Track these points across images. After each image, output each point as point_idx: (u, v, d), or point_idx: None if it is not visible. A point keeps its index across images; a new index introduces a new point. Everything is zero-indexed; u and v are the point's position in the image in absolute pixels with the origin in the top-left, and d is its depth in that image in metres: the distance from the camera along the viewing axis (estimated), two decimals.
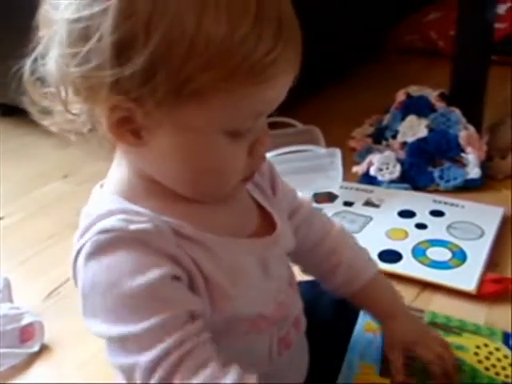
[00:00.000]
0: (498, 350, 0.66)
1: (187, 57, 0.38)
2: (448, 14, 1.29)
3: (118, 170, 0.48)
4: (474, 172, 1.16)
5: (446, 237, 0.98)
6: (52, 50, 0.42)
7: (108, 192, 0.48)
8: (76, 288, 0.45)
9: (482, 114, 1.30)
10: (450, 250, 0.94)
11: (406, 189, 1.17)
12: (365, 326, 0.66)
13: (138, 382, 0.42)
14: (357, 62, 1.89)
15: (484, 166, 1.19)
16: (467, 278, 0.86)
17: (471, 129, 1.23)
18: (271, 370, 0.53)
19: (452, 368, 0.59)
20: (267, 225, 0.53)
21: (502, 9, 1.89)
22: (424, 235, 0.98)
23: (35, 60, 0.44)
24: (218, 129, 0.43)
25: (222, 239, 0.47)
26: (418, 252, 0.93)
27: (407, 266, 0.90)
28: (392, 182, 1.19)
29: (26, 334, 0.82)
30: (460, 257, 0.92)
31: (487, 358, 0.64)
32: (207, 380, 0.41)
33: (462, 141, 1.20)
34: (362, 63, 1.91)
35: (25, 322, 0.82)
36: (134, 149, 0.44)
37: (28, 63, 0.44)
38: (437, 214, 1.06)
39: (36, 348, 0.81)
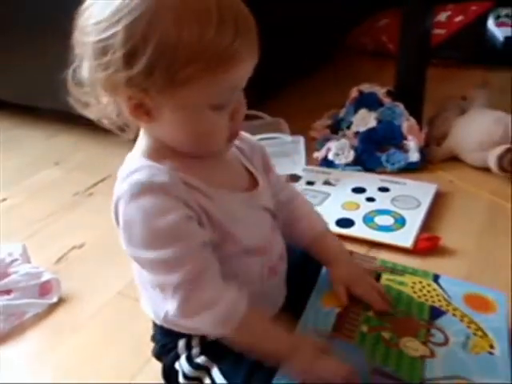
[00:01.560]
0: (429, 285, 0.77)
1: (174, 57, 0.51)
2: (397, 20, 1.40)
3: (143, 139, 0.62)
4: (414, 156, 1.30)
5: (390, 207, 1.13)
6: (84, 62, 0.57)
7: (136, 155, 0.61)
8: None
9: (421, 108, 1.42)
10: (393, 217, 1.09)
11: (358, 170, 1.30)
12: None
13: (170, 295, 0.56)
14: (317, 62, 1.97)
15: (423, 151, 1.31)
16: (406, 237, 1.02)
17: (412, 120, 1.34)
18: (262, 290, 0.66)
19: (381, 295, 0.72)
20: (253, 184, 0.67)
21: (442, 16, 2.03)
22: (372, 206, 1.13)
23: (74, 70, 0.59)
24: (204, 104, 0.55)
25: (220, 191, 0.61)
26: (368, 219, 1.09)
27: (359, 230, 1.06)
28: (347, 165, 1.31)
29: (45, 288, 0.94)
30: (401, 222, 1.07)
31: (420, 290, 0.76)
32: (216, 290, 0.57)
33: (404, 130, 1.32)
34: (321, 63, 1.99)
35: (44, 278, 0.94)
36: (150, 124, 0.58)
37: (70, 73, 0.59)
38: (383, 190, 1.20)
39: (55, 299, 0.93)
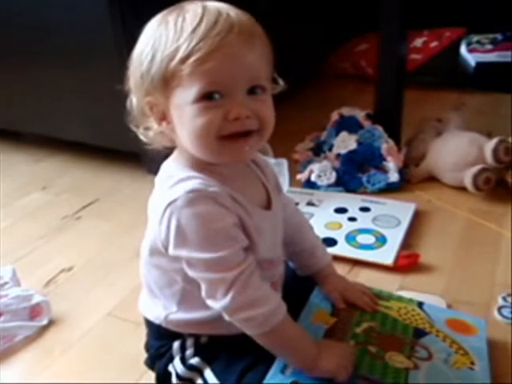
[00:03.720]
0: (413, 310, 0.82)
1: (166, 68, 0.59)
2: (375, 45, 1.46)
3: (181, 153, 0.67)
4: (393, 177, 1.33)
5: (372, 226, 1.16)
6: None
7: (181, 165, 0.66)
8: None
9: (399, 130, 1.47)
10: (375, 235, 1.13)
11: (340, 191, 1.33)
12: (319, 290, 0.83)
13: (226, 290, 0.61)
14: (297, 86, 1.97)
15: (402, 172, 1.35)
16: (387, 255, 1.05)
17: (391, 142, 1.38)
18: None
19: (371, 299, 0.80)
20: (269, 202, 0.72)
21: (418, 42, 2.09)
22: (354, 226, 1.16)
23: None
24: (193, 99, 0.58)
25: (255, 208, 0.67)
26: (350, 238, 1.12)
27: (341, 249, 1.08)
28: (329, 186, 1.33)
29: (36, 311, 0.95)
30: (382, 240, 1.11)
31: (405, 314, 0.80)
32: (265, 291, 0.64)
33: (383, 152, 1.36)
34: (301, 87, 2.01)
35: (34, 301, 0.95)
36: (173, 130, 0.63)
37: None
38: (364, 209, 1.24)
39: (45, 322, 0.94)
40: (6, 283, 0.99)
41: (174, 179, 0.63)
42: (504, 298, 0.94)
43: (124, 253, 1.15)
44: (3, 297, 0.95)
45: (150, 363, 0.75)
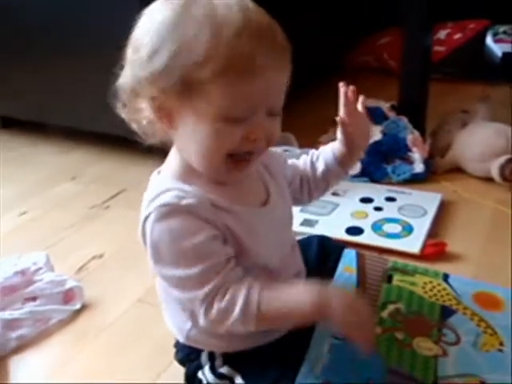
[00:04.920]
0: (439, 285, 0.79)
1: (189, 57, 0.53)
2: (397, 38, 1.46)
3: (173, 159, 0.64)
4: (419, 167, 1.34)
5: (398, 216, 1.17)
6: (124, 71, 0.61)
7: (165, 175, 0.63)
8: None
9: (424, 121, 1.47)
10: (401, 225, 1.13)
11: (365, 182, 1.33)
12: (344, 267, 0.80)
13: (198, 309, 0.58)
14: (321, 80, 1.97)
15: (427, 162, 1.36)
16: (413, 244, 1.06)
17: (416, 133, 1.38)
18: None
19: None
20: (268, 195, 0.68)
21: (442, 34, 2.10)
22: (381, 215, 1.17)
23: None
24: (219, 118, 0.55)
25: (243, 208, 0.62)
26: (377, 227, 1.13)
27: (368, 238, 1.09)
28: (354, 176, 1.33)
29: (69, 295, 0.97)
30: (408, 229, 1.11)
31: (431, 290, 0.78)
32: (232, 294, 0.58)
33: (409, 142, 1.37)
34: (325, 81, 1.92)
35: (68, 286, 0.97)
36: (174, 136, 0.59)
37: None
38: (390, 199, 1.24)
39: (78, 306, 0.96)
40: (40, 268, 1.01)
41: (154, 193, 0.60)
42: None
43: None
44: (38, 281, 0.98)
45: (180, 361, 0.75)
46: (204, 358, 0.69)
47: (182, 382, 0.74)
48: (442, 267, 1.00)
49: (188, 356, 0.72)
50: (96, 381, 0.82)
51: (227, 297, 0.58)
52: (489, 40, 2.05)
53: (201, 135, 0.57)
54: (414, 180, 1.34)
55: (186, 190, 0.59)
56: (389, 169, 1.36)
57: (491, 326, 0.73)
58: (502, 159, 1.26)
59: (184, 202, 0.58)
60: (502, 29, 2.07)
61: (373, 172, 1.36)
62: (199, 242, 0.58)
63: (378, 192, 1.28)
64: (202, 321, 0.60)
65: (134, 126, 0.63)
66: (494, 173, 1.27)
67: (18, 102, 1.77)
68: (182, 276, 0.58)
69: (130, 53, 0.60)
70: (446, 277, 0.82)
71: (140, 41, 0.58)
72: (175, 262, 0.58)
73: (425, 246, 1.06)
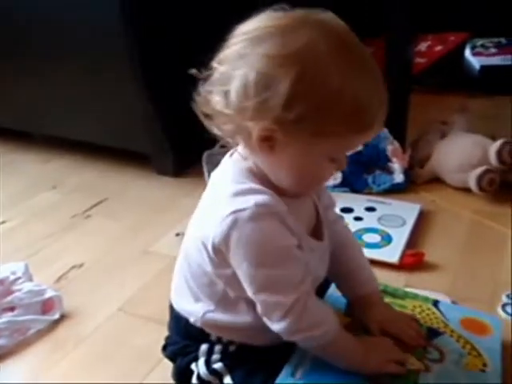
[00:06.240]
0: (428, 309, 0.82)
1: (328, 115, 0.55)
2: (378, 49, 1.48)
3: (246, 162, 0.63)
4: (399, 178, 1.35)
5: (377, 226, 1.17)
6: (234, 84, 0.57)
7: (243, 172, 0.62)
8: None
9: (405, 132, 1.47)
10: (380, 235, 1.14)
11: (346, 191, 1.34)
12: (335, 288, 0.81)
13: (278, 315, 0.60)
14: None
15: (407, 173, 1.36)
16: (392, 253, 1.07)
17: (396, 144, 1.38)
18: None
19: (416, 332, 0.74)
20: (319, 228, 0.70)
21: (423, 46, 2.10)
22: (360, 225, 1.18)
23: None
24: (328, 156, 0.59)
25: (304, 236, 0.65)
26: (356, 237, 1.09)
27: None
28: (335, 186, 1.34)
29: (48, 305, 0.97)
30: (387, 239, 1.12)
31: (420, 313, 0.81)
32: (324, 311, 0.65)
33: (389, 153, 1.37)
34: None
35: (47, 295, 0.97)
36: (266, 157, 0.60)
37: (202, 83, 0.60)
38: (370, 209, 1.25)
39: (57, 316, 0.96)
40: (18, 278, 1.01)
41: (246, 186, 0.61)
42: (508, 296, 0.95)
43: (132, 251, 1.18)
44: (16, 291, 0.97)
45: (171, 355, 0.76)
46: (203, 350, 0.71)
47: None
48: (420, 277, 1.03)
49: (184, 348, 0.73)
50: None
51: (318, 316, 0.64)
52: (467, 53, 2.08)
53: (303, 167, 0.60)
54: (394, 190, 1.36)
55: (278, 198, 0.61)
56: (369, 179, 1.37)
57: (476, 349, 0.75)
58: (480, 170, 1.28)
59: (280, 207, 0.60)
60: (479, 42, 2.11)
61: (353, 182, 1.37)
62: (289, 245, 0.61)
63: (358, 202, 1.29)
64: (283, 326, 0.62)
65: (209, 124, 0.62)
66: (472, 183, 1.29)
67: (1, 110, 1.76)
68: (269, 276, 0.60)
69: (254, 78, 0.55)
70: (435, 303, 0.84)
71: (275, 77, 0.54)
72: (264, 262, 0.60)
73: (403, 255, 1.07)
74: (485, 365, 0.72)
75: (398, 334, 0.73)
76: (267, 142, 0.57)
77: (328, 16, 0.58)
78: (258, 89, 0.55)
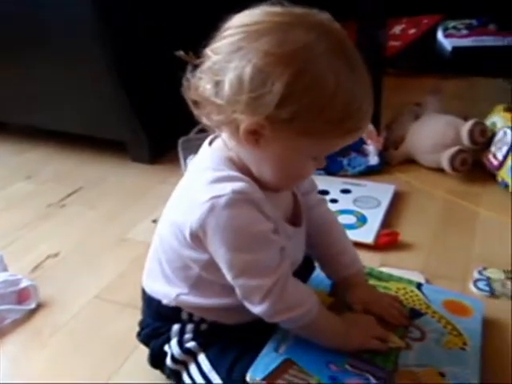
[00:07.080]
0: (412, 291, 0.83)
1: (320, 116, 0.55)
2: (351, 32, 1.47)
3: (226, 150, 0.63)
4: (373, 159, 1.37)
5: (353, 207, 1.19)
6: (229, 76, 0.56)
7: (223, 160, 0.63)
8: None
9: (379, 114, 1.47)
10: (356, 216, 1.16)
11: (321, 174, 1.33)
12: (320, 270, 0.83)
13: (258, 297, 0.61)
14: None
15: (382, 155, 1.39)
16: (367, 234, 1.08)
17: (371, 126, 1.38)
18: None
19: (399, 311, 0.76)
20: (296, 215, 0.72)
21: (397, 29, 2.12)
22: (336, 207, 1.19)
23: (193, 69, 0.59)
24: (312, 154, 0.61)
25: (281, 222, 0.67)
26: None
27: None
28: None
29: (23, 295, 0.96)
30: (362, 220, 1.14)
31: (403, 295, 0.82)
32: (303, 291, 0.66)
33: (364, 135, 1.38)
34: None
35: (22, 285, 0.96)
36: (251, 151, 0.60)
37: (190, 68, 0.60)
38: (345, 191, 1.27)
39: (33, 305, 0.95)
40: None
41: (224, 173, 0.61)
42: (479, 272, 0.97)
43: (108, 239, 1.17)
44: None
45: (145, 339, 0.76)
46: (175, 330, 0.71)
47: (141, 377, 0.74)
48: (394, 256, 1.05)
49: (156, 330, 0.73)
50: (52, 381, 0.81)
51: (297, 296, 0.65)
52: (440, 35, 2.10)
53: (286, 163, 0.61)
54: (369, 172, 1.37)
55: (254, 185, 0.61)
56: (344, 161, 1.38)
57: (457, 328, 0.76)
58: (452, 150, 1.30)
59: (257, 194, 0.60)
60: (451, 24, 2.13)
61: (329, 165, 1.36)
62: (265, 230, 0.61)
63: (334, 184, 1.30)
64: (263, 308, 0.62)
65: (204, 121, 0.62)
66: (445, 164, 1.30)
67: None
68: (246, 261, 0.61)
69: (250, 73, 0.55)
70: (419, 285, 0.86)
71: (272, 74, 0.54)
72: (241, 247, 0.61)
73: (378, 235, 1.09)
74: (465, 343, 0.74)
75: (381, 313, 0.75)
76: (254, 135, 0.58)
77: (326, 18, 0.58)
78: (253, 84, 0.54)
